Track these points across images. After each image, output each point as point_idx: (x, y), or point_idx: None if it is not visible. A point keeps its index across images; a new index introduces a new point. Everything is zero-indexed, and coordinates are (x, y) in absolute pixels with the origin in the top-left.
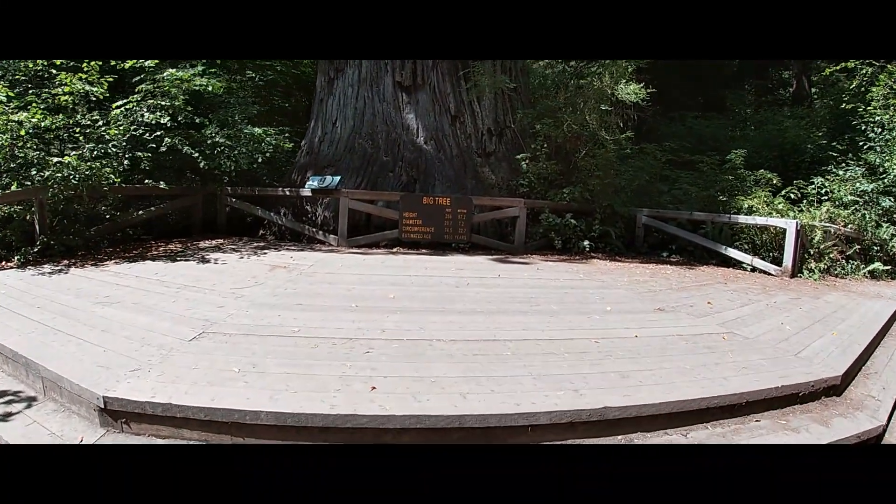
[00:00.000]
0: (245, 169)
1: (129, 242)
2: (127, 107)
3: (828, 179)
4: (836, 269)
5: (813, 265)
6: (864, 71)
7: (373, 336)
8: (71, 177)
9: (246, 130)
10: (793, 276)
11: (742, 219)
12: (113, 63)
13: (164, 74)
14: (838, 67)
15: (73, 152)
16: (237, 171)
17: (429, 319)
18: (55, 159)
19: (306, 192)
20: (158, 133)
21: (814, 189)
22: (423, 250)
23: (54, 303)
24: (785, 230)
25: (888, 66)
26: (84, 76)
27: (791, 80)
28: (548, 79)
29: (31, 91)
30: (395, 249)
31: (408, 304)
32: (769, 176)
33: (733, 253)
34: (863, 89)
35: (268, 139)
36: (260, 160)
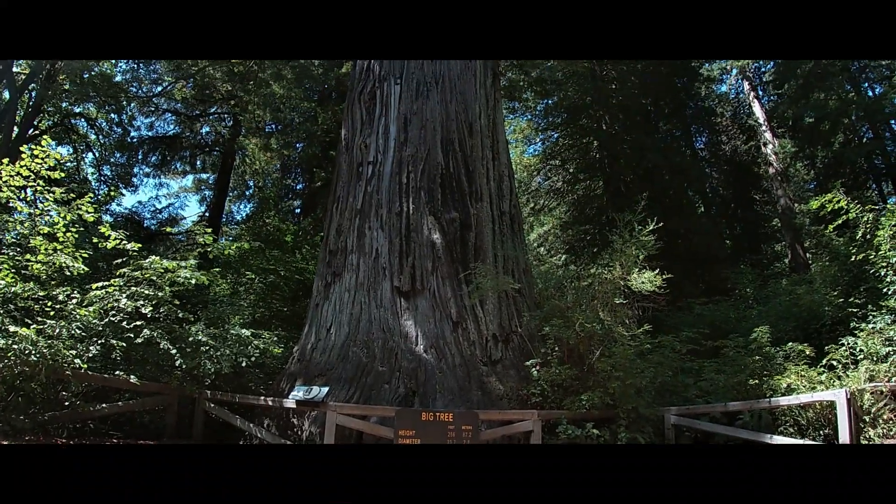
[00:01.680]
0: (227, 373)
1: (88, 436)
2: (108, 290)
3: (858, 337)
4: (892, 431)
5: (871, 433)
6: (864, 218)
7: None
8: (29, 352)
9: (233, 332)
10: None
11: (784, 400)
12: (94, 240)
13: (149, 261)
14: (839, 221)
15: (34, 326)
16: (218, 374)
17: None
18: (13, 328)
19: (290, 403)
20: (138, 323)
21: (846, 351)
22: None
23: None
24: (833, 402)
25: (887, 206)
26: (59, 247)
27: (785, 250)
28: (551, 280)
29: (10, 253)
30: None
31: None
32: (800, 348)
33: (780, 441)
34: (868, 237)
35: (255, 342)
36: (244, 364)
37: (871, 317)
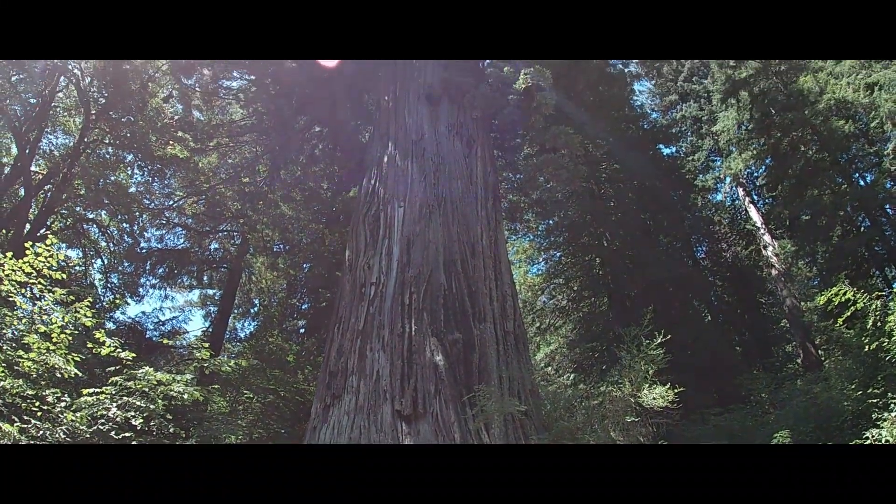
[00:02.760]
0: None
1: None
2: (99, 397)
3: (882, 427)
4: None
5: None
6: (873, 306)
7: None
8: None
9: None
10: None
11: None
12: (90, 345)
13: (142, 372)
14: (847, 314)
15: (18, 424)
16: None
17: None
18: None
19: None
20: (127, 434)
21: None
22: None
23: None
24: None
25: (893, 291)
26: (53, 347)
27: (796, 350)
28: (560, 401)
29: (3, 347)
30: None
31: None
32: None
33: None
34: (878, 324)
35: None
36: None
37: (892, 405)
